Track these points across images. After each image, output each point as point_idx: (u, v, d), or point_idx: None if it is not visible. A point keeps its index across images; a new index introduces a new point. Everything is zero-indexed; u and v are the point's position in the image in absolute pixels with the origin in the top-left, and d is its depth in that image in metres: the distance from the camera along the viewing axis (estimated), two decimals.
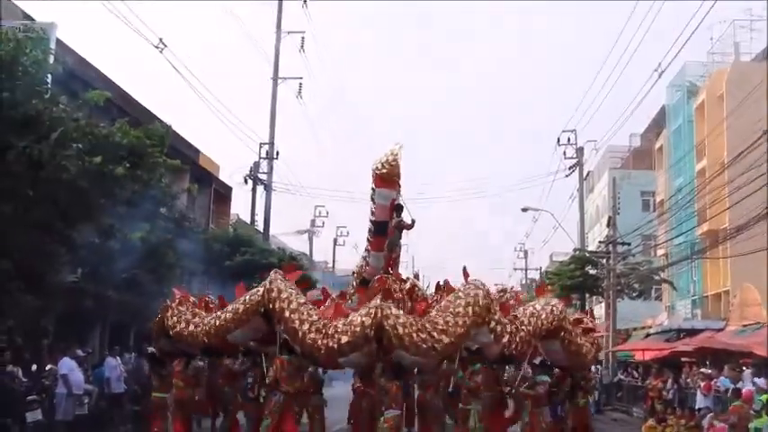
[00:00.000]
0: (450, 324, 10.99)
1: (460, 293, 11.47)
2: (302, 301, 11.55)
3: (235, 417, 15.17)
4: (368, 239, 15.04)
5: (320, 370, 14.34)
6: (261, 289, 11.74)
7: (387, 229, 14.51)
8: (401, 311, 11.06)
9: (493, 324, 11.55)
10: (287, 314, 11.23)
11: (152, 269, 18.06)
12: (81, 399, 14.56)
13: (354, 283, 14.37)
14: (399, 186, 14.44)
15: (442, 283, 13.68)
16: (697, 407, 17.37)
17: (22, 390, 13.15)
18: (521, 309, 12.84)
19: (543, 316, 12.46)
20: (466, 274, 12.10)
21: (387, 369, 11.51)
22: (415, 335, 10.70)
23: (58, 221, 13.10)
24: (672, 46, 30.69)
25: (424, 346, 10.76)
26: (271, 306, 11.47)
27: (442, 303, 11.62)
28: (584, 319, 14.56)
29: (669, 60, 22.46)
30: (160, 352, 14.41)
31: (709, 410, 16.55)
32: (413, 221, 14.80)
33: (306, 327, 11.08)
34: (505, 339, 11.71)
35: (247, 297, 12.00)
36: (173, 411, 13.32)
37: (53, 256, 13.73)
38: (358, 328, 10.72)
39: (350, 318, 11.03)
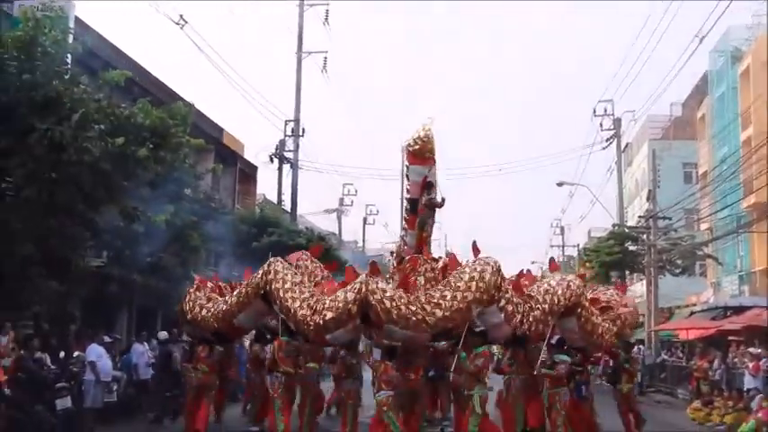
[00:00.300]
0: (446, 298, 10.83)
1: (466, 269, 11.27)
2: (298, 280, 11.88)
3: (266, 400, 15.42)
4: (404, 218, 15.03)
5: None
6: (260, 271, 12.13)
7: None
8: (389, 285, 11.03)
9: (503, 303, 11.35)
10: (281, 293, 11.59)
11: (177, 252, 18.20)
12: (110, 386, 14.79)
13: (394, 263, 14.34)
14: (434, 162, 14.32)
15: (446, 256, 13.42)
16: (745, 388, 17.19)
17: (51, 377, 13.35)
18: (534, 286, 12.65)
19: (560, 292, 12.23)
20: (476, 250, 11.92)
21: (382, 349, 11.76)
22: (404, 307, 10.63)
23: (81, 204, 13.21)
24: (714, 9, 30.15)
25: (414, 318, 10.64)
26: (268, 288, 11.85)
27: (447, 279, 11.43)
28: (604, 296, 14.30)
29: (711, 24, 22.02)
30: (188, 336, 14.75)
31: (758, 392, 16.38)
32: (443, 200, 14.68)
33: (297, 304, 11.39)
34: (517, 319, 11.53)
35: (250, 280, 12.31)
36: (194, 395, 13.73)
37: (77, 240, 13.87)
38: (341, 304, 10.81)
39: (336, 294, 11.15)
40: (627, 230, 33.81)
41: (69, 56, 13.85)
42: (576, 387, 13.27)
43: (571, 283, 12.49)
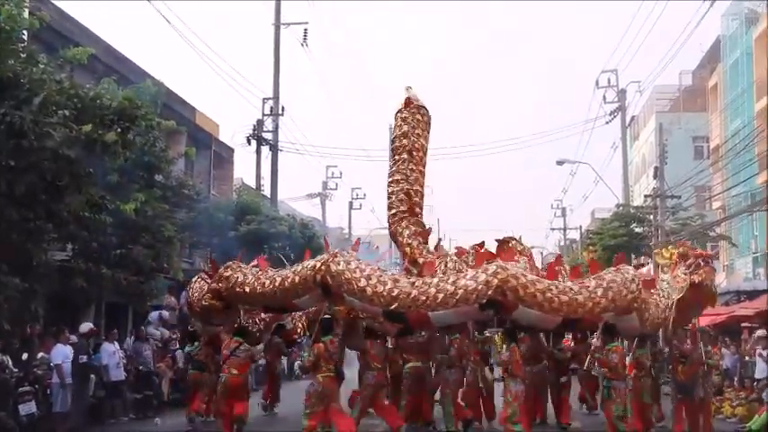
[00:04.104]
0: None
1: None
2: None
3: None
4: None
5: None
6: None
7: None
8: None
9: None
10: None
11: (148, 244, 18.25)
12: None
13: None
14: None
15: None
16: (757, 377, 17.40)
17: (13, 381, 13.42)
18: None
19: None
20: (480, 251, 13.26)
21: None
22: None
23: (43, 194, 13.23)
24: None
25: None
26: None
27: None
28: None
29: None
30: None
31: None
32: None
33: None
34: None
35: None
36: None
37: (39, 233, 13.88)
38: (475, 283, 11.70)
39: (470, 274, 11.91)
40: (632, 211, 34.00)
41: (26, 32, 13.80)
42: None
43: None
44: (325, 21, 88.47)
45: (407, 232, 15.08)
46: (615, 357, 12.97)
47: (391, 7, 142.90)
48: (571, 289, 11.87)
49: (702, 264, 13.53)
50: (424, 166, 15.74)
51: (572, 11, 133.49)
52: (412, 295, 11.81)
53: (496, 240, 14.58)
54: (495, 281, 11.28)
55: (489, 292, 11.29)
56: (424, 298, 11.74)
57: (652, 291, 13.37)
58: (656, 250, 17.58)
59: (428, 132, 16.08)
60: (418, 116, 15.81)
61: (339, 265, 12.23)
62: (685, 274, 13.51)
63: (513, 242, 14.72)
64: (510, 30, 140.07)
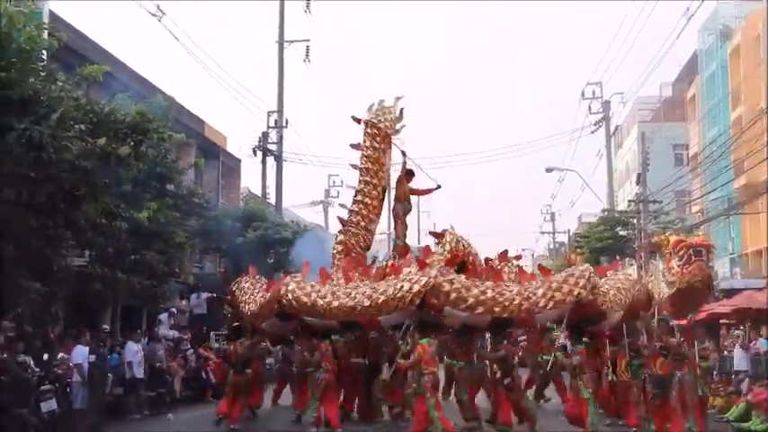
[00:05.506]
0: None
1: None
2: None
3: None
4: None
5: None
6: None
7: None
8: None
9: None
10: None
11: (161, 250, 18.32)
12: None
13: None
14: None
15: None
16: (734, 369, 17.47)
17: (35, 379, 13.47)
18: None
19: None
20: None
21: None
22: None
23: (62, 203, 13.29)
24: None
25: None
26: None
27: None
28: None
29: (700, 2, 22.25)
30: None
31: (746, 374, 16.69)
32: (438, 186, 16.72)
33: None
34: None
35: None
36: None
37: (58, 240, 13.95)
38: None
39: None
40: (617, 215, 34.10)
41: (45, 52, 13.87)
42: None
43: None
44: (324, 22, 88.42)
45: (333, 242, 16.33)
46: (417, 355, 12.05)
47: (391, 8, 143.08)
48: (347, 293, 12.71)
49: (693, 256, 12.35)
50: (374, 177, 15.96)
51: (572, 11, 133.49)
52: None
53: (430, 233, 15.57)
54: (281, 290, 13.27)
55: (275, 302, 13.42)
56: (251, 302, 14.74)
57: (528, 281, 13.08)
58: (660, 237, 16.89)
59: (383, 144, 16.07)
60: (368, 130, 16.07)
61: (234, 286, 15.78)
62: (679, 266, 12.71)
63: (451, 236, 14.57)
64: (510, 30, 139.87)
